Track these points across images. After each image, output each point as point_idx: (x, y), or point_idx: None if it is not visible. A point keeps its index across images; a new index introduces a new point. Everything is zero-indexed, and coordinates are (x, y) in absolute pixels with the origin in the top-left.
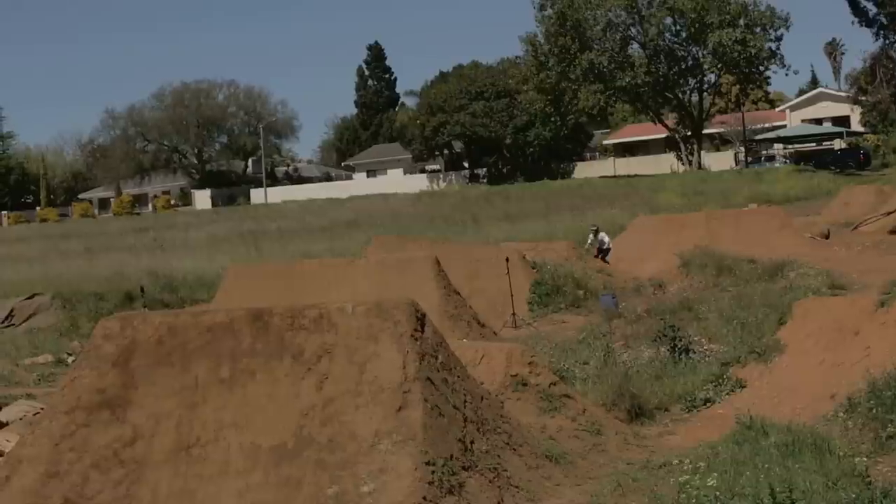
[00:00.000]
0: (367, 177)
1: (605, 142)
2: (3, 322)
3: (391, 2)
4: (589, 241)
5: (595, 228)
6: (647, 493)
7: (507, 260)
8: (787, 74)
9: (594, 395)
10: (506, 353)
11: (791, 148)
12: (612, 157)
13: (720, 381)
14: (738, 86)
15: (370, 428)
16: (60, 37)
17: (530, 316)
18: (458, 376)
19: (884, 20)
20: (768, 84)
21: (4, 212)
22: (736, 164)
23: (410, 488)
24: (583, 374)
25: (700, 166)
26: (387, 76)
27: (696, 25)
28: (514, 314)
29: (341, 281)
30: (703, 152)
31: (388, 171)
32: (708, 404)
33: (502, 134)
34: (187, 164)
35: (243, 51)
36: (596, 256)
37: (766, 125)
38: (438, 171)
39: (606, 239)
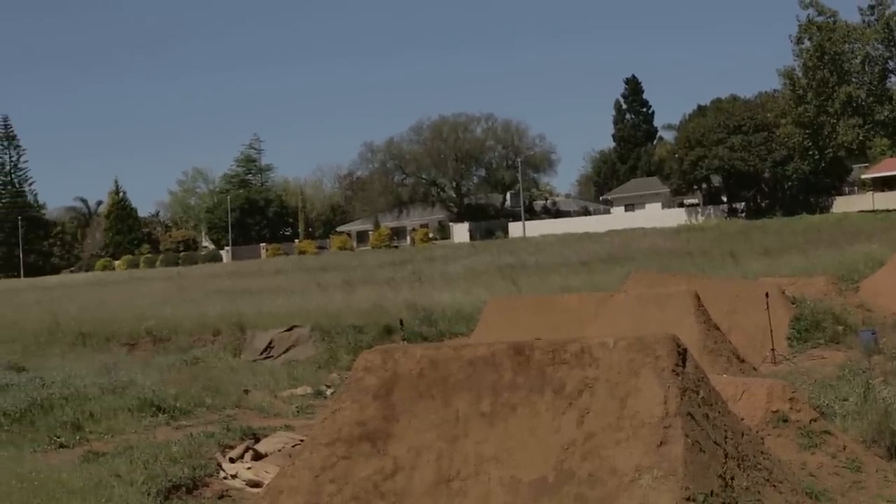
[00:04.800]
0: (625, 211)
1: (863, 176)
2: (262, 353)
3: (648, 36)
4: None
5: None
6: None
7: (767, 295)
8: None
9: (853, 432)
10: (766, 388)
11: None
12: (870, 192)
13: None
14: None
15: (631, 463)
16: (320, 70)
17: (789, 351)
18: (719, 412)
19: None
20: None
21: (263, 244)
22: None
23: None
24: (842, 410)
25: None
26: (644, 110)
27: None
28: (773, 349)
29: (600, 315)
30: None
31: (647, 205)
32: None
33: (761, 168)
34: (445, 197)
35: (501, 84)
36: None
37: None
38: (697, 204)
39: None
